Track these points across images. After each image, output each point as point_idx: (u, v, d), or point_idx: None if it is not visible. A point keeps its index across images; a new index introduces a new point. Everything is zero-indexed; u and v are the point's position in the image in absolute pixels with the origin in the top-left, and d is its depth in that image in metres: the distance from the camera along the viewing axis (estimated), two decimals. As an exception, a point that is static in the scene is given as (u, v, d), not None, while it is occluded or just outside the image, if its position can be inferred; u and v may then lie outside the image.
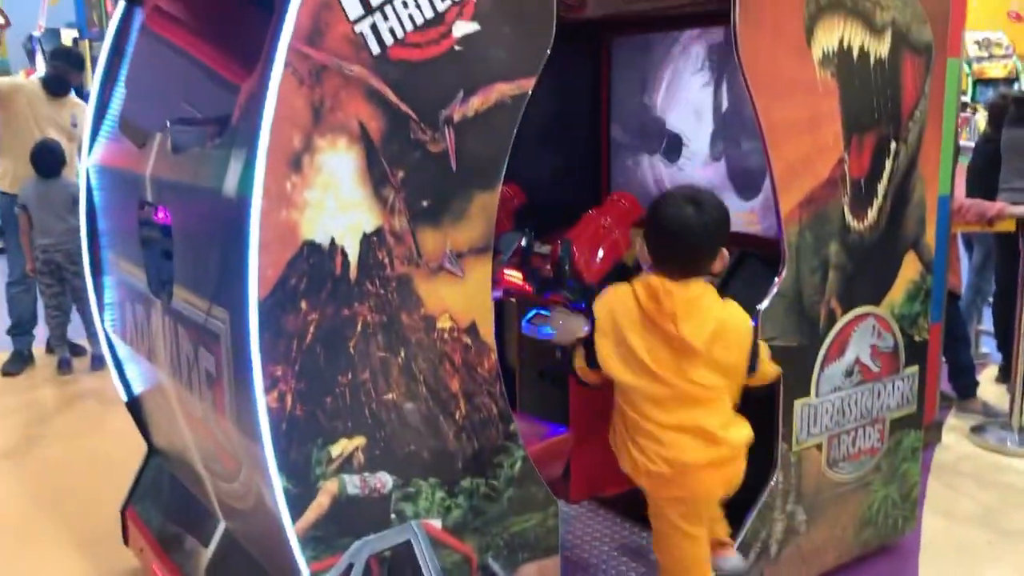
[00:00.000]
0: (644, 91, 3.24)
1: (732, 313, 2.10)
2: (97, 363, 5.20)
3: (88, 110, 2.77)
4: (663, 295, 2.03)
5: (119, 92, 2.69)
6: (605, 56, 3.35)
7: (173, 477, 2.73)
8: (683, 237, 2.03)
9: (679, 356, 2.04)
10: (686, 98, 3.10)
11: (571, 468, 2.77)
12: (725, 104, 2.99)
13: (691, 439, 2.06)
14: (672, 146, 3.17)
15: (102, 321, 2.77)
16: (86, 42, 9.52)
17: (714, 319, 2.05)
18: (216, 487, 2.28)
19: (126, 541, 2.87)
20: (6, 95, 5.12)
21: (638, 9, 2.97)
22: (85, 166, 2.77)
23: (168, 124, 2.31)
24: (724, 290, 2.72)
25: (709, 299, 2.08)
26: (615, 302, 2.11)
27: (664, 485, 2.12)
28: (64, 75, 5.22)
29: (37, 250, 4.95)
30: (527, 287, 2.62)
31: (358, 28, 1.75)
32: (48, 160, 4.92)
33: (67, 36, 10.71)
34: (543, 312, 2.59)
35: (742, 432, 2.13)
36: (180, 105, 2.50)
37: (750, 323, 2.14)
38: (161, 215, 2.50)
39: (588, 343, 2.14)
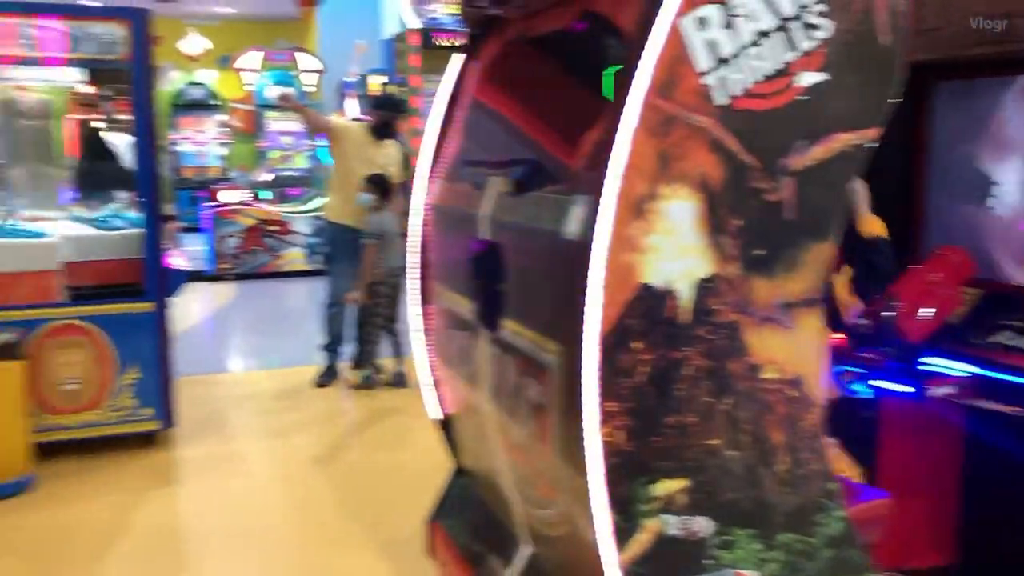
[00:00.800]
0: (969, 139, 3.03)
1: None
2: (398, 381, 5.65)
3: (424, 152, 3.04)
4: None
5: (454, 137, 2.93)
6: (925, 102, 3.18)
7: (478, 496, 2.89)
8: None
9: None
10: (1014, 147, 2.87)
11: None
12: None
13: None
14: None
15: (425, 344, 3.00)
16: (394, 86, 10.43)
17: None
18: (528, 513, 2.39)
19: (430, 552, 3.08)
20: (339, 136, 5.75)
21: (972, 53, 2.80)
22: (418, 203, 3.04)
23: (505, 169, 2.49)
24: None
25: None
26: None
27: None
28: (390, 122, 5.78)
29: (383, 274, 5.50)
30: (842, 341, 2.54)
31: (707, 80, 1.80)
32: (389, 189, 5.51)
33: (373, 81, 11.81)
34: (854, 368, 2.50)
35: None
36: (513, 153, 2.68)
37: None
38: (475, 248, 2.67)
39: None
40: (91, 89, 7.28)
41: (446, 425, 3.04)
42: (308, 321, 7.07)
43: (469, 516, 2.93)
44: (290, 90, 10.38)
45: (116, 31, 4.61)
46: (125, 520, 3.84)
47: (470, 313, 2.57)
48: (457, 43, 8.92)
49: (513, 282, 2.27)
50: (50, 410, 4.36)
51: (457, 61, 3.02)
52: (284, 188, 11.27)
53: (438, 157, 2.96)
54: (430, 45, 9.83)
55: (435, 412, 3.10)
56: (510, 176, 2.45)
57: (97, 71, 6.50)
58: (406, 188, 5.67)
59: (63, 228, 4.83)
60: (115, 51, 4.68)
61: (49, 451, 4.31)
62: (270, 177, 11.39)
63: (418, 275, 3.04)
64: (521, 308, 2.22)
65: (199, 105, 14.50)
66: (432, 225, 2.96)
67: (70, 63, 5.06)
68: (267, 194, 10.78)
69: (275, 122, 13.48)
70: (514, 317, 2.25)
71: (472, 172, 2.76)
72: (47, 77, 6.75)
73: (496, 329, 2.36)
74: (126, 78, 4.98)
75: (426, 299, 3.00)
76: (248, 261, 10.09)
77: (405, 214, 5.40)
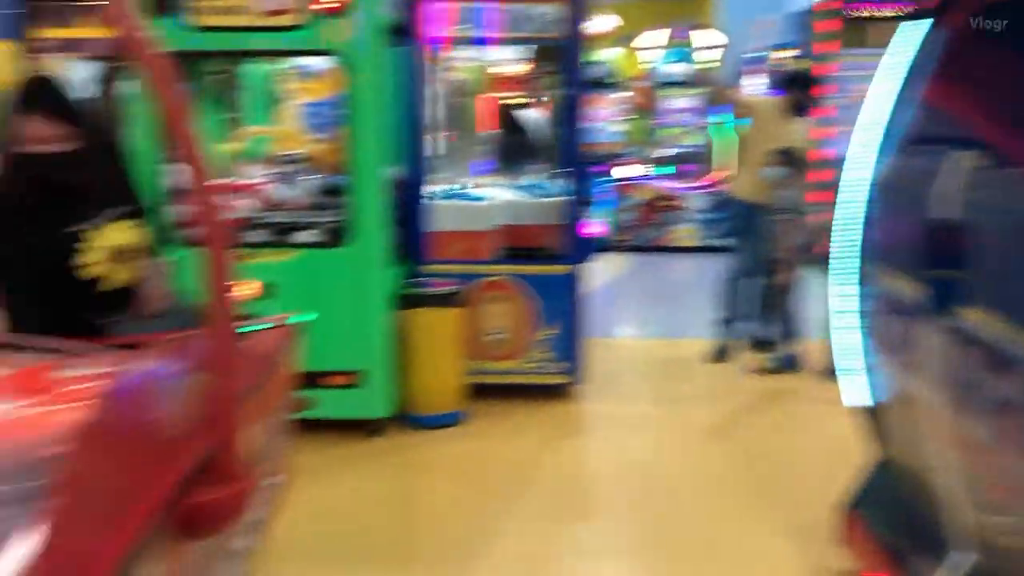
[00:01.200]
0: None
1: None
2: (789, 363, 5.51)
3: (862, 128, 2.90)
4: None
5: (904, 112, 2.76)
6: None
7: (905, 491, 2.74)
8: None
9: None
10: None
11: None
12: None
13: None
14: None
15: (863, 328, 2.88)
16: (805, 62, 10.05)
17: None
18: (977, 518, 2.22)
19: (844, 541, 2.98)
20: (751, 112, 5.71)
21: None
22: (853, 181, 2.91)
23: (970, 145, 2.30)
24: None
25: None
26: None
27: None
28: (804, 100, 5.61)
29: (788, 252, 5.44)
30: None
31: None
32: (800, 165, 5.41)
33: (780, 56, 11.44)
34: None
35: None
36: (976, 128, 2.47)
37: None
38: (932, 229, 2.44)
39: None
40: (521, 67, 7.92)
41: (873, 414, 2.91)
42: (696, 296, 7.14)
43: (892, 510, 2.79)
44: (698, 69, 10.52)
45: (552, 11, 4.95)
46: (538, 460, 4.20)
47: (919, 297, 2.43)
48: (890, 12, 8.30)
49: (982, 266, 2.10)
50: (479, 356, 4.88)
51: (910, 30, 2.84)
52: (678, 164, 11.42)
53: (890, 134, 2.81)
54: (846, 16, 9.27)
55: (858, 399, 2.97)
56: (975, 151, 2.26)
57: (530, 49, 7.01)
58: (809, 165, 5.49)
59: (495, 193, 5.34)
60: (550, 30, 5.02)
61: (476, 392, 4.82)
62: (665, 153, 11.59)
63: (848, 255, 2.93)
64: (991, 295, 2.04)
65: (600, 83, 15.12)
66: (875, 203, 2.82)
67: (507, 42, 5.53)
68: (661, 170, 11.00)
69: (671, 100, 13.64)
70: (980, 304, 2.08)
71: (927, 149, 2.58)
72: (482, 56, 7.46)
73: (952, 316, 2.20)
74: (553, 56, 5.35)
75: (861, 280, 2.88)
76: (643, 234, 10.45)
77: (808, 191, 5.25)
